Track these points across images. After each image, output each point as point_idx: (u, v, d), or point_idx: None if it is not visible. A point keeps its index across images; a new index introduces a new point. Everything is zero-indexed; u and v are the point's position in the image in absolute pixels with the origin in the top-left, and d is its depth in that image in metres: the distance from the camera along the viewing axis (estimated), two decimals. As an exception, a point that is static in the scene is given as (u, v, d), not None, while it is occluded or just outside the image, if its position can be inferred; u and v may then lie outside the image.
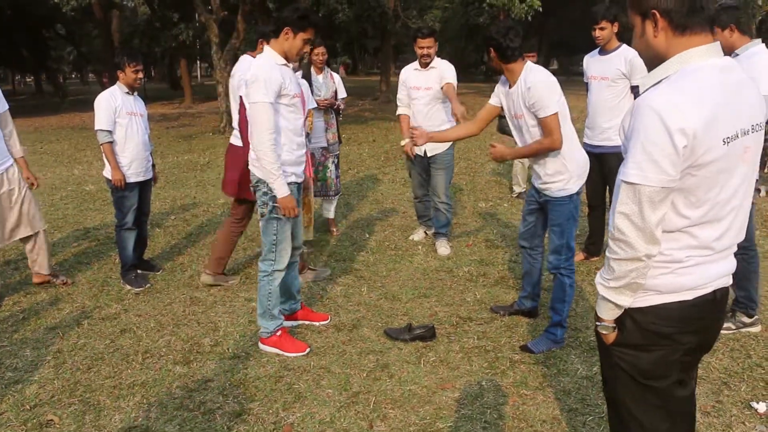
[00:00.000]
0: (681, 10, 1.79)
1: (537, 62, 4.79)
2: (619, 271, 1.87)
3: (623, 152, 1.90)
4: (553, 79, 3.74)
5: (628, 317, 1.97)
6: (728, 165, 1.80)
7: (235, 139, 4.99)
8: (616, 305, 1.94)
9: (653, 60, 1.90)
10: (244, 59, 5.11)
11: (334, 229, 6.69)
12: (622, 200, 1.81)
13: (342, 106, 6.25)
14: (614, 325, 2.00)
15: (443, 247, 5.94)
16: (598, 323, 2.03)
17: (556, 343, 3.94)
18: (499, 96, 4.01)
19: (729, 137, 1.77)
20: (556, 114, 3.66)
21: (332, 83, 6.20)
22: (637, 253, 1.82)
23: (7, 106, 4.90)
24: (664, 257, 1.87)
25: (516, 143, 4.01)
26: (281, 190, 3.73)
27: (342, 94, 6.34)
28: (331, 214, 6.66)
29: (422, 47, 5.55)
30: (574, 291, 3.97)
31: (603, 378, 2.20)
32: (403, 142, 5.71)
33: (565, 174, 3.80)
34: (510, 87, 3.86)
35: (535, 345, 3.94)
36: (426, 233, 6.35)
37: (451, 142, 5.78)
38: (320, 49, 6.08)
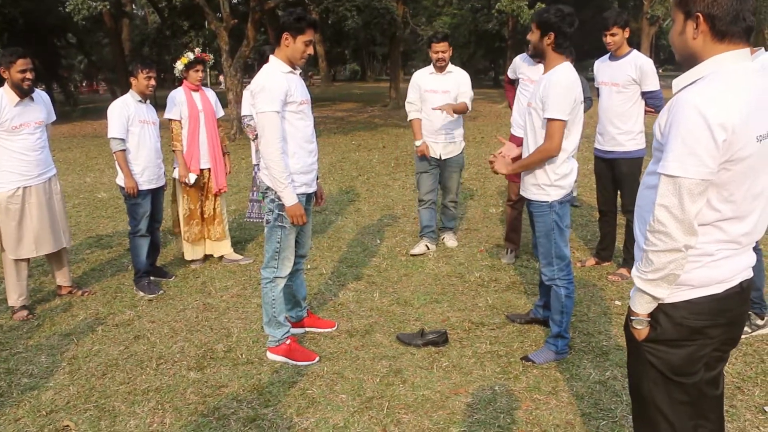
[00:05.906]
0: (725, 19, 1.85)
1: None
2: (658, 262, 1.92)
3: (657, 149, 1.96)
4: (576, 89, 3.57)
5: (662, 313, 2.02)
6: (759, 162, 1.88)
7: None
8: (653, 297, 1.99)
9: (686, 59, 1.97)
10: None
11: None
12: (662, 193, 1.87)
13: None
14: (648, 319, 2.04)
15: (451, 240, 6.37)
16: (632, 318, 2.07)
17: (558, 354, 3.87)
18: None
19: (761, 135, 1.85)
20: (563, 122, 3.53)
21: None
22: (676, 244, 1.88)
23: (54, 118, 5.04)
24: (696, 251, 1.93)
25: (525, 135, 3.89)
26: (289, 199, 3.74)
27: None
28: None
29: (437, 51, 5.73)
30: (572, 301, 3.88)
31: (630, 374, 2.24)
32: (418, 143, 5.89)
33: (544, 180, 3.70)
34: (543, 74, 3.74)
35: (537, 356, 3.88)
36: (428, 247, 6.13)
37: (463, 146, 6.12)
38: None
